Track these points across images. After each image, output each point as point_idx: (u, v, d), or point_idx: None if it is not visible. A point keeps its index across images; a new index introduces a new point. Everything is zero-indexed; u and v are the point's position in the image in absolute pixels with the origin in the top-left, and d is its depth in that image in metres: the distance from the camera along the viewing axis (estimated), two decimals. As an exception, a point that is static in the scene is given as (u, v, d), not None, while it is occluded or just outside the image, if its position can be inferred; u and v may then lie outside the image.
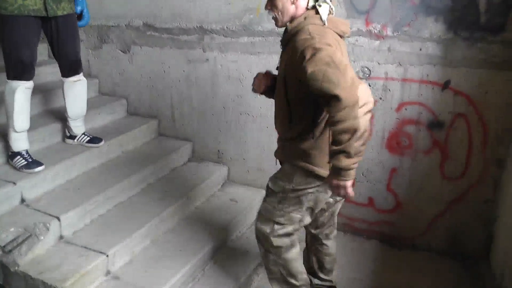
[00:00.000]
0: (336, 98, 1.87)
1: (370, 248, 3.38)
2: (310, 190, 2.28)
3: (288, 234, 2.39)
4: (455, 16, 2.77)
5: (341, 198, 2.50)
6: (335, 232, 2.74)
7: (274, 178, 2.38)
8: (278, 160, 2.48)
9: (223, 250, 3.17)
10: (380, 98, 3.12)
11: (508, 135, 2.85)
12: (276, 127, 2.42)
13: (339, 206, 2.62)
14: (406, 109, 3.08)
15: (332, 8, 2.16)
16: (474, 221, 3.11)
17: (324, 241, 2.70)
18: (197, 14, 3.58)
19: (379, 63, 3.06)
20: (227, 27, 3.47)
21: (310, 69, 1.92)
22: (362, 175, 3.34)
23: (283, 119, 2.28)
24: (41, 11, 2.95)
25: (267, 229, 2.39)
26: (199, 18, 3.58)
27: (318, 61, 1.91)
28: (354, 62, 3.11)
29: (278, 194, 2.33)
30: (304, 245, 2.83)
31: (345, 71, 1.91)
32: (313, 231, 2.68)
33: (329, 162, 2.07)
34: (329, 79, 1.88)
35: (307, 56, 1.95)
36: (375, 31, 2.99)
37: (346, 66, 1.93)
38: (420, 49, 2.91)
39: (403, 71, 3.00)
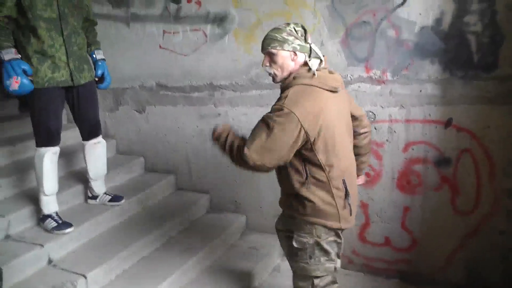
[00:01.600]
0: (242, 153, 2.18)
1: (390, 287, 3.40)
2: (330, 238, 2.34)
3: (328, 284, 2.44)
4: (449, 57, 2.91)
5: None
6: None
7: (297, 237, 2.39)
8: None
9: (246, 298, 3.23)
10: (387, 140, 3.23)
11: (513, 166, 2.93)
12: (278, 182, 2.49)
13: None
14: (412, 148, 3.17)
15: (323, 61, 2.27)
16: (492, 253, 3.13)
17: None
18: (206, 72, 3.78)
19: (382, 107, 3.18)
20: (235, 82, 3.65)
21: (260, 121, 2.20)
22: (377, 215, 3.40)
23: (279, 175, 2.40)
24: (68, 81, 3.15)
25: (308, 286, 2.43)
26: (209, 75, 3.77)
27: (265, 119, 2.17)
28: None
29: (306, 250, 2.36)
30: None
31: (271, 149, 2.15)
32: None
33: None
34: (253, 138, 2.18)
35: (267, 118, 2.16)
36: (376, 77, 3.14)
37: (278, 147, 2.15)
38: (420, 91, 3.04)
39: (406, 112, 3.12)
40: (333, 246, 2.36)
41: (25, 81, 2.90)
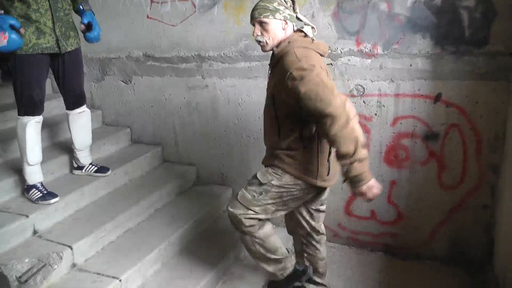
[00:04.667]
0: (330, 117, 2.05)
1: (375, 260, 3.44)
2: (293, 189, 2.43)
3: (258, 219, 2.52)
4: (441, 32, 2.89)
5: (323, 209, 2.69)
6: (324, 238, 2.86)
7: (265, 171, 2.49)
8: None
9: (232, 270, 3.26)
10: (376, 114, 3.23)
11: (500, 142, 2.95)
12: (265, 142, 2.58)
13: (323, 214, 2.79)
14: (401, 123, 3.18)
15: (314, 28, 2.38)
16: (475, 228, 3.18)
17: (318, 246, 2.82)
18: (195, 43, 3.72)
19: (372, 81, 3.17)
20: (224, 54, 3.60)
21: (302, 89, 2.11)
22: (363, 189, 3.42)
23: (273, 134, 2.45)
24: (54, 48, 3.06)
25: (240, 211, 2.50)
26: (197, 46, 3.71)
27: (308, 81, 2.11)
28: (348, 80, 3.23)
29: (262, 186, 2.45)
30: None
31: (333, 90, 2.10)
32: (308, 238, 2.80)
33: (344, 180, 2.19)
34: (321, 98, 2.07)
35: (297, 77, 2.14)
36: (366, 50, 3.12)
37: (333, 86, 2.13)
38: (411, 65, 3.03)
39: (396, 86, 3.12)
40: (289, 196, 2.45)
41: (14, 36, 2.78)
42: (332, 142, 2.12)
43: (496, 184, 3.03)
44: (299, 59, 2.19)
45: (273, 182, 2.43)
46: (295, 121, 2.33)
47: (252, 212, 2.48)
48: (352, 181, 2.15)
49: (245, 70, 3.56)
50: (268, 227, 2.60)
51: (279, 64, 2.30)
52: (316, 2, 3.16)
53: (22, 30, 2.85)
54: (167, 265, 3.10)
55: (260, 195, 2.45)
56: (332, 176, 2.50)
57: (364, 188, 2.15)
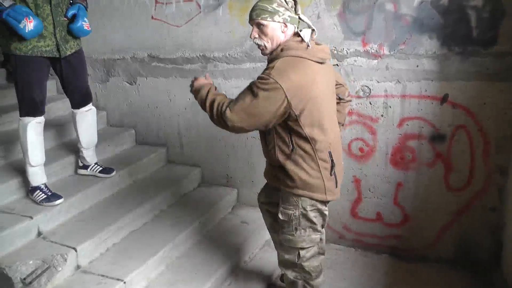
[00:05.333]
0: (224, 113, 2.15)
1: (381, 262, 3.41)
2: (316, 210, 2.36)
3: (314, 255, 2.47)
4: (448, 32, 2.86)
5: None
6: None
7: (283, 209, 2.40)
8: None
9: (237, 272, 3.23)
10: (382, 115, 3.20)
11: (508, 143, 2.92)
12: (264, 154, 2.49)
13: None
14: (407, 124, 3.15)
15: (315, 31, 2.24)
16: (482, 230, 3.15)
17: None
18: (200, 43, 3.70)
19: (378, 81, 3.15)
20: (229, 55, 3.59)
21: (247, 87, 2.17)
22: (369, 191, 3.40)
23: (266, 146, 2.38)
24: (53, 52, 3.06)
25: (295, 258, 2.45)
26: (202, 47, 3.70)
27: (251, 86, 2.13)
28: (354, 81, 3.21)
29: (292, 222, 2.38)
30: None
31: (251, 114, 2.13)
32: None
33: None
34: (237, 99, 2.16)
35: (253, 85, 2.12)
36: (372, 51, 3.09)
37: (255, 116, 2.13)
38: (417, 66, 3.00)
39: (402, 87, 3.09)
40: (318, 218, 2.38)
41: (36, 21, 2.84)
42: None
43: (504, 186, 3.00)
44: (273, 67, 2.11)
45: (295, 214, 2.36)
46: (284, 131, 2.24)
47: (304, 251, 2.43)
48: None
49: (250, 70, 3.54)
50: (322, 278, 2.57)
51: None
52: (322, 3, 3.14)
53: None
54: (172, 267, 3.08)
55: (297, 230, 2.39)
56: (339, 186, 2.42)
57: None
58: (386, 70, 3.10)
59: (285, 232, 2.43)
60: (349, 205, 3.50)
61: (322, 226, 2.45)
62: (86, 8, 3.24)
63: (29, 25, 2.79)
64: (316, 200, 2.33)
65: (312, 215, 2.35)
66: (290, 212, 2.37)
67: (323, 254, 2.52)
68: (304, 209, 2.33)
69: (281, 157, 2.28)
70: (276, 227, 2.61)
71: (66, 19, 3.13)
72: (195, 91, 2.35)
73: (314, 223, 2.37)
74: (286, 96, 2.07)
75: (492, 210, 3.08)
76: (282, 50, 2.18)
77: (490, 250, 3.15)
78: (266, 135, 2.33)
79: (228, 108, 2.14)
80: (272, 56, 2.22)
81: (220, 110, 2.18)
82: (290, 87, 2.07)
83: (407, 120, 3.15)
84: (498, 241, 3.09)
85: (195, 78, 2.41)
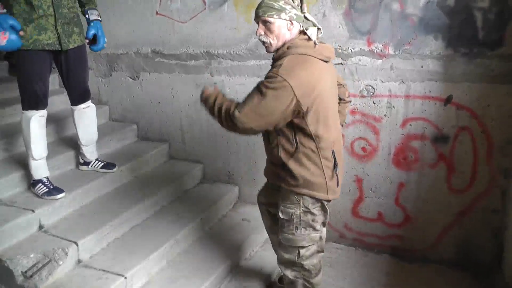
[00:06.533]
0: (233, 115, 2.16)
1: (382, 262, 3.41)
2: (317, 209, 2.36)
3: (314, 253, 2.47)
4: (454, 33, 2.86)
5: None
6: None
7: (283, 208, 2.40)
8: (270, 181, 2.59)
9: (238, 269, 3.24)
10: (385, 115, 3.20)
11: (511, 146, 2.91)
12: (266, 152, 2.49)
13: None
14: (410, 125, 3.15)
15: (320, 30, 2.23)
16: (484, 232, 3.15)
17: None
18: (204, 40, 3.70)
19: (382, 81, 3.14)
20: (233, 51, 3.58)
21: (255, 87, 2.17)
22: (371, 190, 3.40)
23: (268, 144, 2.38)
24: (55, 45, 3.04)
25: (294, 257, 2.45)
26: (206, 43, 3.69)
27: (259, 86, 2.13)
28: (358, 81, 3.20)
29: (293, 221, 2.38)
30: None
31: (257, 110, 2.13)
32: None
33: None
34: (246, 101, 2.16)
35: (261, 84, 2.13)
36: (377, 51, 3.09)
37: (265, 116, 2.13)
38: (422, 66, 3.00)
39: (406, 88, 3.08)
40: (319, 216, 2.38)
41: (13, 37, 2.79)
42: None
43: (507, 188, 3.00)
44: (280, 65, 2.11)
45: (296, 213, 2.35)
46: (289, 130, 2.24)
47: (304, 250, 2.43)
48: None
49: (255, 68, 3.53)
50: (320, 276, 2.56)
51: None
52: (328, 1, 3.14)
53: (21, 33, 2.86)
54: (173, 263, 3.08)
55: (297, 230, 2.38)
56: (340, 186, 2.41)
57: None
58: (391, 70, 3.09)
59: (285, 231, 2.43)
60: (351, 205, 3.50)
61: (323, 225, 2.45)
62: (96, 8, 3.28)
63: (2, 40, 2.75)
64: (318, 199, 2.32)
65: (313, 214, 2.35)
66: (291, 211, 2.36)
67: (322, 252, 2.52)
68: (306, 207, 2.33)
69: (284, 156, 2.28)
70: (275, 228, 2.62)
71: (87, 41, 3.22)
72: (205, 101, 2.36)
73: (315, 222, 2.37)
74: (294, 94, 2.07)
75: (494, 212, 3.08)
76: (288, 48, 2.18)
77: (492, 252, 3.15)
78: (269, 133, 2.32)
79: (236, 110, 2.15)
80: (278, 54, 2.22)
81: (228, 113, 2.19)
82: (299, 84, 2.07)
83: (411, 121, 3.14)
84: (500, 243, 3.09)
85: (205, 88, 2.41)
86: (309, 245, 2.43)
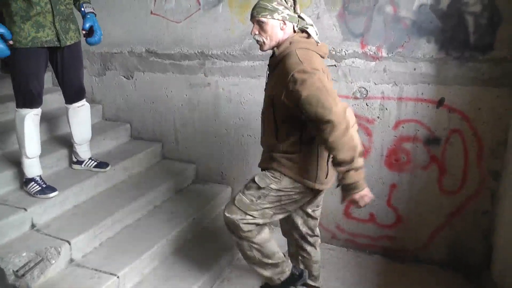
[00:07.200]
0: (330, 124, 2.04)
1: (373, 263, 3.44)
2: (292, 193, 2.42)
3: (256, 224, 2.49)
4: (446, 37, 2.89)
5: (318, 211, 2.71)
6: (319, 240, 2.87)
7: (263, 175, 2.45)
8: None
9: (230, 269, 3.25)
10: (378, 117, 3.22)
11: (502, 148, 2.95)
12: (262, 144, 2.57)
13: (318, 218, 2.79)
14: (403, 126, 3.18)
15: (316, 31, 2.35)
16: (474, 233, 3.18)
17: (312, 249, 2.82)
18: (198, 40, 3.70)
19: (375, 83, 3.16)
20: (227, 52, 3.59)
21: (304, 93, 2.10)
22: (363, 191, 3.42)
23: (271, 136, 2.42)
24: (54, 41, 3.03)
25: (237, 216, 2.46)
26: (200, 44, 3.70)
27: (310, 86, 2.10)
28: (351, 83, 3.22)
29: (260, 190, 2.42)
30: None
31: (335, 96, 2.10)
32: (303, 240, 2.79)
33: (338, 186, 2.20)
34: (322, 104, 2.06)
35: (299, 80, 2.12)
36: (371, 53, 3.11)
37: (334, 92, 2.13)
38: (414, 69, 3.03)
39: (399, 90, 3.11)
40: (288, 200, 2.44)
41: (1, 45, 2.80)
42: (330, 149, 2.12)
43: (497, 190, 3.03)
44: (302, 61, 2.17)
45: (271, 186, 2.40)
46: (294, 124, 2.32)
47: (250, 217, 2.45)
48: (346, 188, 2.16)
49: (248, 69, 3.55)
50: (266, 232, 2.57)
51: (280, 65, 2.27)
52: (322, 3, 3.15)
53: (10, 42, 2.86)
54: (165, 263, 3.09)
55: (259, 199, 2.42)
56: (329, 178, 2.48)
57: (356, 196, 2.16)
58: (384, 72, 3.11)
59: (247, 194, 2.46)
60: (342, 205, 3.51)
61: (285, 210, 2.50)
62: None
63: None
64: (303, 185, 2.39)
65: (285, 195, 2.41)
66: (268, 181, 2.41)
67: (264, 228, 2.56)
68: (285, 188, 2.39)
69: (285, 143, 2.36)
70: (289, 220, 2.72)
71: (84, 32, 3.19)
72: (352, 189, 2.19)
73: (279, 201, 2.43)
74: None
75: (484, 214, 3.11)
76: (291, 43, 2.27)
77: (482, 253, 3.18)
78: (274, 120, 2.36)
79: (328, 116, 2.06)
80: (282, 50, 2.28)
81: (334, 127, 2.07)
82: (319, 69, 2.18)
83: (403, 123, 3.17)
84: (489, 244, 3.12)
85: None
86: (257, 217, 2.45)
